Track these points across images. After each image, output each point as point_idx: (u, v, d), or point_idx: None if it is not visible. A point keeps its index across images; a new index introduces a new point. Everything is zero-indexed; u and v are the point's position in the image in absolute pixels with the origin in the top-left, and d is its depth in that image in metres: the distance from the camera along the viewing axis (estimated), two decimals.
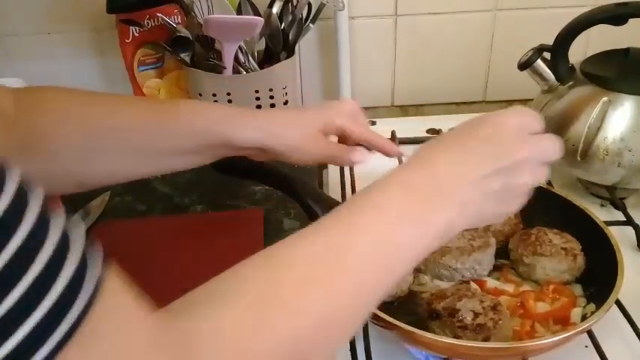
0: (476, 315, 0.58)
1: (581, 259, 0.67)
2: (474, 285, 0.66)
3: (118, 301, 0.32)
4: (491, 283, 0.67)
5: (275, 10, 0.93)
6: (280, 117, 0.64)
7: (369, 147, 0.67)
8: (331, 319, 0.39)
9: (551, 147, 0.49)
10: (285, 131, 0.62)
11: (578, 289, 0.66)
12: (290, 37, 0.94)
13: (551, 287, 0.65)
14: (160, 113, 0.61)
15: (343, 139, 0.66)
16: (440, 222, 0.44)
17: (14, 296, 0.25)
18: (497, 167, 0.46)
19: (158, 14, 0.97)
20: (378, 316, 0.57)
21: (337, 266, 0.40)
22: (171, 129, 0.60)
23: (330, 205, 0.72)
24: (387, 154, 0.68)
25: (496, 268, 0.69)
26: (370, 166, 0.92)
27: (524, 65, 0.85)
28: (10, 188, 0.26)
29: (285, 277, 0.39)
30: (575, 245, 0.68)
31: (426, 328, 0.58)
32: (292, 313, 0.37)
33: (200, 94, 0.95)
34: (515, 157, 0.46)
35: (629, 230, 0.75)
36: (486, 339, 0.57)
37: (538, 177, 0.49)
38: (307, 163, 0.66)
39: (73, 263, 0.28)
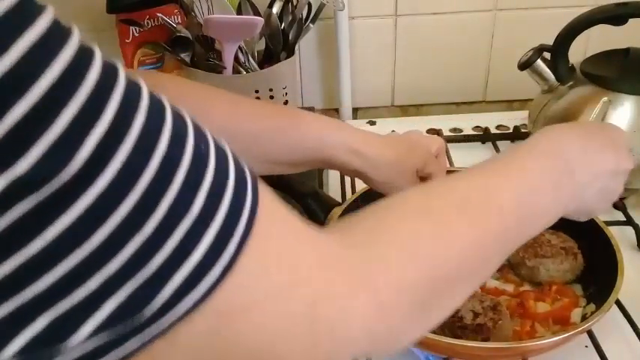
0: (476, 315, 0.58)
1: (580, 258, 0.67)
2: None
3: (276, 207, 0.32)
4: (491, 283, 0.67)
5: (275, 10, 0.93)
6: (389, 154, 0.64)
7: None
8: (476, 253, 0.40)
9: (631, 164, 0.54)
10: (388, 171, 0.63)
11: (578, 289, 0.66)
12: (290, 37, 0.94)
13: (554, 288, 0.65)
14: (280, 124, 0.62)
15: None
16: (567, 196, 0.48)
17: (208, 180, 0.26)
18: (614, 169, 0.51)
19: (158, 14, 0.97)
20: None
21: (488, 204, 0.42)
22: (288, 141, 0.62)
23: (330, 205, 0.72)
24: None
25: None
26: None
27: (524, 65, 0.85)
28: None
29: (445, 204, 0.40)
30: (573, 244, 0.68)
31: None
32: (456, 233, 0.39)
33: None
34: (626, 166, 0.52)
35: (629, 230, 0.75)
36: (486, 339, 0.57)
37: (622, 189, 0.54)
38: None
39: (232, 165, 0.28)
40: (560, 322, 0.62)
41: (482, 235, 0.40)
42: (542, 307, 0.63)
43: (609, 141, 0.52)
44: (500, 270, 0.69)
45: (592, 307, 0.62)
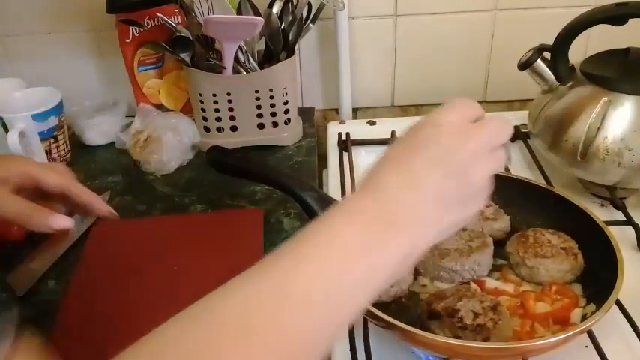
0: (476, 315, 0.58)
1: (580, 258, 0.67)
2: (473, 285, 0.66)
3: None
4: (491, 283, 0.67)
5: (275, 10, 0.93)
6: None
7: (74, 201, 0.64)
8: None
9: (499, 129, 0.47)
10: None
11: (578, 289, 0.66)
12: (290, 37, 0.94)
13: (554, 288, 0.65)
14: None
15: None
16: (400, 248, 0.42)
17: None
18: (445, 171, 0.44)
19: (158, 14, 0.97)
20: (378, 316, 0.57)
21: (280, 308, 0.37)
22: None
23: (330, 205, 0.72)
24: (96, 213, 0.66)
25: (495, 268, 0.69)
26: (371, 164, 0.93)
27: (524, 65, 0.85)
28: None
29: (214, 337, 0.36)
30: (573, 244, 0.68)
31: (426, 329, 0.58)
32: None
33: (200, 94, 0.95)
34: (462, 153, 0.44)
35: (629, 230, 0.75)
36: (486, 339, 0.57)
37: (494, 165, 0.46)
38: None
39: None
40: (560, 322, 0.62)
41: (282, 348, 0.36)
42: (542, 307, 0.63)
43: (428, 141, 0.45)
44: (500, 270, 0.69)
45: (592, 307, 0.62)
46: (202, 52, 0.94)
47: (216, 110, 0.96)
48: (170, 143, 0.95)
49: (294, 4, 0.93)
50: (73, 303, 0.70)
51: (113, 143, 1.04)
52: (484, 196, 0.47)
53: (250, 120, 0.97)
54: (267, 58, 0.97)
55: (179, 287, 0.72)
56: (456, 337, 0.57)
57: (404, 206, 0.43)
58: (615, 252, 0.63)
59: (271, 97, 0.95)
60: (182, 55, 0.94)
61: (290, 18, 0.93)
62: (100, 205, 0.66)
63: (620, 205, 0.79)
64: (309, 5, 0.95)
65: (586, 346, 0.60)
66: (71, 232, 0.82)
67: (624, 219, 0.77)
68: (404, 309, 0.65)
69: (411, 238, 0.42)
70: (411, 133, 0.47)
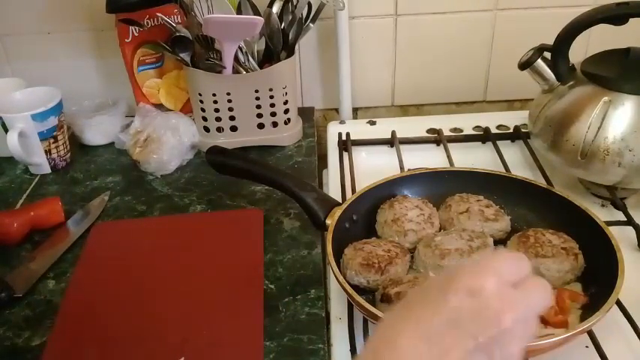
0: None
1: (581, 258, 0.67)
2: (433, 275, 0.65)
3: None
4: None
5: (275, 9, 0.93)
6: None
7: None
8: None
9: (541, 298, 0.41)
10: None
11: (578, 289, 0.66)
12: (290, 36, 0.94)
13: (555, 291, 0.64)
14: None
15: None
16: None
17: None
18: (474, 346, 0.38)
19: (158, 14, 0.97)
20: (378, 316, 0.57)
21: None
22: None
23: (330, 205, 0.72)
24: None
25: None
26: (370, 165, 0.93)
27: (525, 65, 0.85)
28: None
29: None
30: (574, 244, 0.68)
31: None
32: None
33: (200, 94, 0.95)
34: (497, 327, 0.38)
35: (630, 230, 0.75)
36: None
37: (528, 337, 0.40)
38: None
39: None
40: (561, 323, 0.61)
41: None
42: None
43: (461, 309, 0.38)
44: None
45: (592, 307, 0.62)
46: (202, 51, 0.94)
47: (216, 110, 0.96)
48: (170, 143, 0.95)
49: (294, 3, 0.93)
50: (73, 303, 0.70)
51: (113, 143, 1.04)
52: None
53: (250, 120, 0.97)
54: (267, 58, 0.97)
55: (179, 287, 0.72)
56: None
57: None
58: (616, 252, 0.63)
59: (271, 97, 0.95)
60: (182, 55, 0.94)
61: (290, 18, 0.93)
62: None
63: (620, 205, 0.79)
64: (309, 5, 0.95)
65: (586, 347, 0.60)
66: (71, 232, 0.82)
67: (625, 219, 0.77)
68: None
69: None
70: (441, 291, 0.40)
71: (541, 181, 0.81)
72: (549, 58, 0.83)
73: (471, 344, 0.38)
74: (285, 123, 0.99)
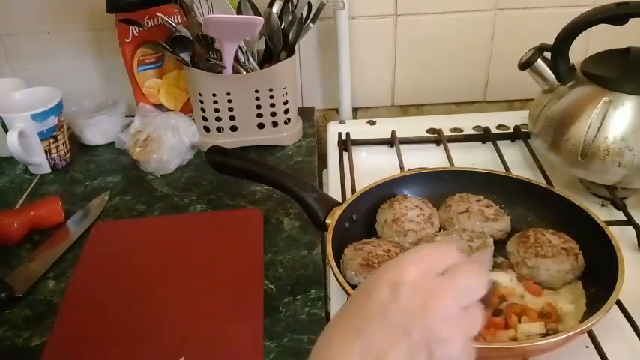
0: None
1: (581, 258, 0.67)
2: None
3: None
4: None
5: (275, 9, 0.93)
6: None
7: None
8: None
9: (470, 281, 0.39)
10: None
11: (578, 289, 0.66)
12: (290, 36, 0.94)
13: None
14: None
15: None
16: None
17: None
18: (410, 342, 0.36)
19: (158, 14, 0.97)
20: None
21: None
22: None
23: (330, 205, 0.72)
24: None
25: (496, 266, 0.69)
26: (370, 165, 0.93)
27: (525, 65, 0.85)
28: None
29: None
30: (574, 244, 0.68)
31: None
32: None
33: (200, 94, 0.95)
34: (428, 318, 0.37)
35: (630, 230, 0.75)
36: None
37: (468, 328, 0.38)
38: None
39: None
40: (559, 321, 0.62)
41: None
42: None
43: (384, 306, 0.38)
44: (499, 267, 0.69)
45: (592, 307, 0.62)
46: (202, 51, 0.94)
47: (216, 110, 0.96)
48: (170, 143, 0.95)
49: (294, 3, 0.93)
50: (73, 303, 0.70)
51: (113, 143, 1.04)
52: None
53: (250, 120, 0.97)
54: (267, 58, 0.97)
55: (179, 287, 0.72)
56: None
57: None
58: (616, 252, 0.63)
59: (271, 97, 0.95)
60: (182, 55, 0.94)
61: (290, 17, 0.93)
62: None
63: (620, 205, 0.79)
64: (309, 5, 0.95)
65: (586, 347, 0.60)
66: (71, 232, 0.82)
67: (625, 219, 0.77)
68: None
69: None
70: (365, 294, 0.39)
71: (541, 181, 0.81)
72: (549, 58, 0.83)
73: (404, 341, 0.36)
74: (285, 123, 0.99)
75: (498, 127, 1.01)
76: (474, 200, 0.75)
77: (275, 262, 0.75)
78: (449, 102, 1.15)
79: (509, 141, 0.97)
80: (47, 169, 0.97)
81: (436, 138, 0.98)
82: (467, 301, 0.39)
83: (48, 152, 0.95)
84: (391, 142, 0.98)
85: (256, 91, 0.94)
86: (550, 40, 0.83)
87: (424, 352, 0.36)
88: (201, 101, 0.95)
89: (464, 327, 0.38)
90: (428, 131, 1.01)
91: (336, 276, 0.62)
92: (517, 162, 0.92)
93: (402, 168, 0.88)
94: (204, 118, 0.97)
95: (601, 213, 0.76)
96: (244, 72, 0.95)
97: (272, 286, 0.71)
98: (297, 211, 0.81)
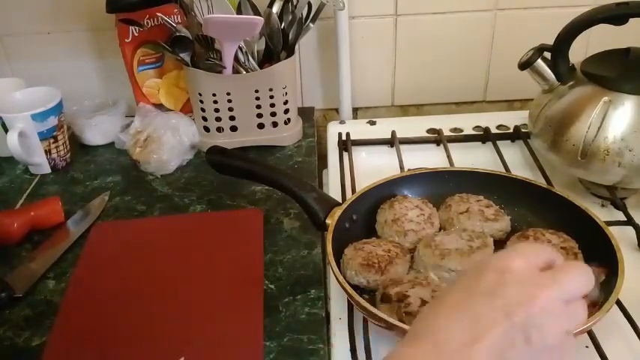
0: (423, 303, 0.58)
1: (581, 258, 0.67)
2: (433, 276, 0.65)
3: None
4: None
5: (275, 9, 0.93)
6: None
7: None
8: None
9: (576, 279, 0.42)
10: None
11: None
12: (290, 36, 0.94)
13: None
14: None
15: None
16: None
17: None
18: (508, 325, 0.39)
19: (158, 14, 0.97)
20: (378, 316, 0.57)
21: None
22: None
23: (330, 205, 0.72)
24: None
25: None
26: (370, 165, 0.93)
27: (525, 65, 0.85)
28: None
29: None
30: (573, 244, 0.68)
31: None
32: None
33: (200, 94, 0.95)
34: (530, 307, 0.39)
35: (630, 230, 0.75)
36: None
37: (570, 322, 0.41)
38: None
39: None
40: None
41: None
42: None
43: (491, 289, 0.41)
44: None
45: (592, 306, 0.62)
46: (202, 51, 0.94)
47: (216, 110, 0.96)
48: (170, 143, 0.95)
49: (294, 3, 0.93)
50: (73, 303, 0.70)
51: (113, 143, 1.04)
52: (563, 357, 0.41)
53: (250, 120, 0.97)
54: (267, 58, 0.97)
55: (179, 287, 0.72)
56: (400, 321, 0.56)
57: (459, 354, 0.39)
58: (616, 252, 0.63)
59: (271, 97, 0.95)
60: (182, 55, 0.94)
61: (290, 17, 0.93)
62: None
63: (620, 205, 0.79)
64: (309, 5, 0.95)
65: (586, 347, 0.60)
66: (71, 232, 0.82)
67: (625, 219, 0.77)
68: None
69: None
70: (472, 277, 0.43)
71: (541, 181, 0.81)
72: (549, 58, 0.83)
73: (506, 323, 0.39)
74: (285, 123, 0.99)
75: (498, 127, 1.01)
76: (474, 200, 0.75)
77: (275, 262, 0.75)
78: (449, 102, 1.15)
79: (509, 141, 0.97)
80: (47, 169, 0.97)
81: (436, 138, 0.98)
82: (570, 297, 0.41)
83: (48, 152, 0.95)
84: (391, 142, 0.98)
85: (256, 91, 0.94)
86: (550, 40, 0.83)
87: (522, 336, 0.39)
88: (201, 101, 0.95)
89: (564, 320, 0.40)
90: (428, 131, 1.01)
91: (336, 276, 0.62)
92: (517, 162, 0.92)
93: (402, 168, 0.88)
94: (204, 118, 0.97)
95: (601, 213, 0.76)
96: (244, 72, 0.95)
97: (272, 286, 0.71)
98: (297, 211, 0.81)
